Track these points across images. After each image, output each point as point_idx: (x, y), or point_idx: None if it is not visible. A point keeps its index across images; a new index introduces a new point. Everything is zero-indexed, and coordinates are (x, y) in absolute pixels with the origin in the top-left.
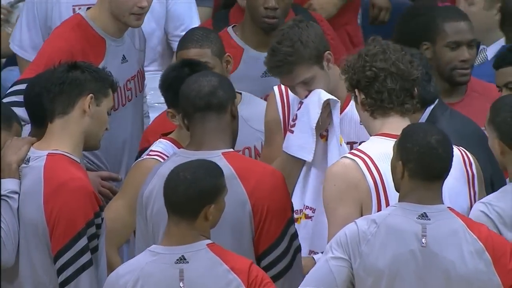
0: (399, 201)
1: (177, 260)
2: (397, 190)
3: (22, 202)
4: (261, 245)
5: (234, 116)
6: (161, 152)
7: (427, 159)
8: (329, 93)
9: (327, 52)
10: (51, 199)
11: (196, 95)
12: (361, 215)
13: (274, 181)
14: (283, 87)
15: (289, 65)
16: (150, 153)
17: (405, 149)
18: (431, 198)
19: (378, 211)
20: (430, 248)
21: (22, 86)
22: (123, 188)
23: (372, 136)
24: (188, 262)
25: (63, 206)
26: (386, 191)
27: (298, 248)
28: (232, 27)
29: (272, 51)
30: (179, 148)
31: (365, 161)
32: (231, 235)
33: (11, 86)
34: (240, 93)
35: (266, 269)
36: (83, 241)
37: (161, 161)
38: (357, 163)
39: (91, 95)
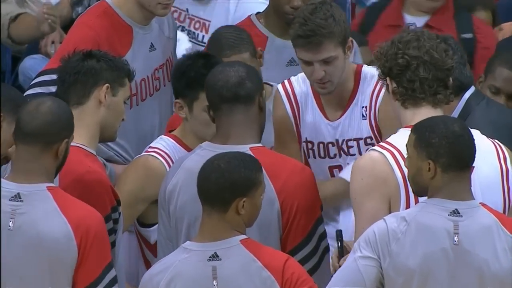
0: (428, 197)
1: (210, 257)
2: (420, 193)
3: None
4: (288, 244)
5: (262, 109)
6: (160, 149)
7: (458, 148)
8: (339, 84)
9: (351, 39)
10: (67, 193)
11: (223, 86)
12: (389, 211)
13: (303, 179)
14: (287, 84)
15: (320, 37)
16: (148, 149)
17: (431, 146)
18: (463, 192)
19: (406, 207)
20: (463, 246)
21: (47, 77)
22: (118, 183)
23: (401, 128)
24: (221, 260)
25: (79, 200)
26: None
27: (327, 249)
28: (256, 14)
29: (304, 20)
30: (180, 146)
31: (394, 154)
32: (258, 233)
33: (36, 77)
34: (271, 85)
35: None
36: None
37: (159, 159)
38: (385, 156)
39: (107, 85)
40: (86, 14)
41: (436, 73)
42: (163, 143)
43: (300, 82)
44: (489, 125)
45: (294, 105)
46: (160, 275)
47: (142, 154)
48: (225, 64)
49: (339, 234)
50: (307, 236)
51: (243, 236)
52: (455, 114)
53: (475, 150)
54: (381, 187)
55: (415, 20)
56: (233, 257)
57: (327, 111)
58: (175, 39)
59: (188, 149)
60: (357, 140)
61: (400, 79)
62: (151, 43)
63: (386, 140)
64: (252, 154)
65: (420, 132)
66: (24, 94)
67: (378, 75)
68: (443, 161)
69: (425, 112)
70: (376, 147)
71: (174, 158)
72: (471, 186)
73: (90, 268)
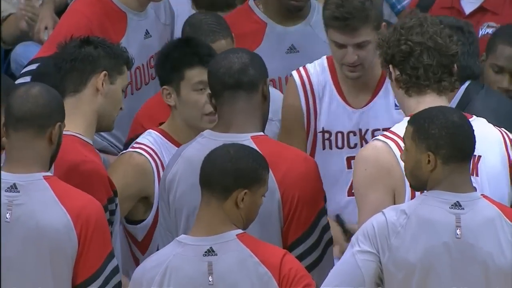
0: (428, 190)
1: (206, 252)
2: (418, 187)
3: None
4: (290, 237)
5: (266, 97)
6: (146, 145)
7: (459, 139)
8: (367, 69)
9: (384, 23)
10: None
11: (225, 72)
12: (394, 203)
13: (306, 169)
14: (303, 72)
15: (357, 21)
16: (134, 145)
17: (431, 137)
18: (464, 183)
19: (411, 199)
20: (465, 240)
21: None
22: None
23: (406, 117)
24: (217, 255)
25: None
26: None
27: (330, 241)
28: (254, 0)
29: (341, 1)
30: (168, 141)
31: (398, 143)
32: (258, 224)
33: (26, 65)
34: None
35: None
36: None
37: (145, 156)
38: (389, 146)
39: (104, 72)
40: (78, 1)
41: (441, 59)
42: (150, 138)
43: (317, 70)
44: (490, 114)
45: (310, 94)
46: (154, 270)
47: (127, 150)
48: (228, 50)
49: (339, 218)
50: (309, 228)
51: (240, 231)
52: (454, 102)
53: (475, 141)
54: (385, 177)
55: (470, 2)
56: (229, 253)
57: (349, 99)
58: (172, 26)
59: (177, 144)
60: (385, 130)
61: (403, 66)
62: (146, 29)
63: (390, 129)
64: (253, 143)
65: (418, 124)
66: (16, 83)
67: (380, 64)
68: (444, 152)
69: (429, 100)
70: (379, 137)
71: (160, 154)
72: (471, 177)
73: (92, 259)
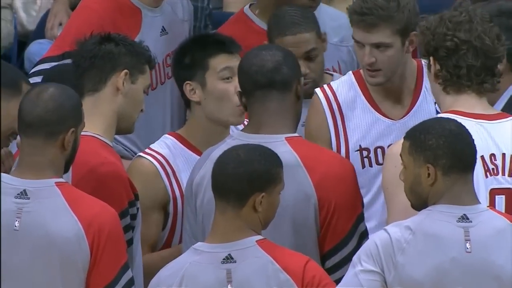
0: (431, 204)
1: (224, 259)
2: (418, 206)
3: None
4: (327, 244)
5: (299, 97)
6: (157, 152)
7: (458, 147)
8: (398, 78)
9: (414, 32)
10: (80, 186)
11: (257, 71)
12: None
13: (344, 172)
14: (327, 89)
15: (375, 18)
16: (147, 150)
17: (428, 149)
18: (468, 195)
19: None
20: (476, 254)
21: (47, 65)
22: None
23: (441, 113)
24: (235, 262)
25: (93, 193)
26: None
27: None
28: (249, 6)
29: None
30: (184, 146)
31: None
32: (292, 232)
33: (35, 65)
34: (332, 74)
35: (331, 271)
36: None
37: (154, 163)
38: None
39: (125, 71)
40: None
41: (485, 61)
42: (163, 144)
43: (344, 87)
44: None
45: (337, 112)
46: (170, 279)
47: (138, 154)
48: (260, 47)
49: None
50: (347, 235)
51: (260, 237)
52: (501, 103)
53: (475, 150)
54: None
55: None
56: (249, 259)
57: (386, 110)
58: (190, 22)
59: (193, 149)
60: None
61: (445, 62)
62: (163, 26)
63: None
64: (287, 145)
65: (414, 137)
66: None
67: (421, 52)
68: (443, 163)
69: (468, 98)
70: None
71: (173, 160)
72: (474, 189)
73: (105, 270)
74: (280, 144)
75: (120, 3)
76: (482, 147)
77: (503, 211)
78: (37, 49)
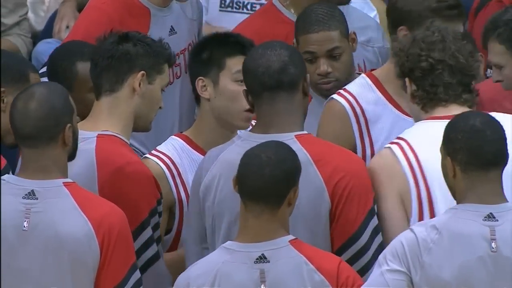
0: (458, 204)
1: (257, 259)
2: (453, 195)
3: None
4: (339, 239)
5: (306, 94)
6: (163, 153)
7: (475, 143)
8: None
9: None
10: (108, 186)
11: (264, 72)
12: (404, 211)
13: (354, 167)
14: (347, 95)
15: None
16: (153, 151)
17: (449, 141)
18: (493, 194)
19: (419, 203)
20: (502, 253)
21: None
22: None
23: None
24: (269, 262)
25: (122, 194)
26: (425, 177)
27: (382, 245)
28: None
29: None
30: (191, 147)
31: (401, 146)
32: (305, 228)
33: (42, 66)
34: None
35: None
36: (147, 233)
37: (160, 165)
38: (391, 150)
39: (142, 72)
40: None
41: (461, 78)
42: (169, 146)
43: (364, 90)
44: None
45: (361, 118)
46: (201, 278)
47: (144, 156)
48: (264, 46)
49: None
50: (358, 230)
51: (292, 237)
52: None
53: (502, 148)
54: (390, 182)
55: None
56: (283, 259)
57: (406, 108)
58: (200, 21)
59: (200, 150)
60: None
61: (421, 83)
62: (171, 26)
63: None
64: (298, 142)
65: (446, 128)
66: None
67: (396, 74)
68: (460, 158)
69: (444, 110)
70: (387, 144)
71: (179, 162)
72: (502, 188)
73: (114, 270)
74: (289, 142)
75: (128, 3)
76: None
77: None
78: (45, 48)
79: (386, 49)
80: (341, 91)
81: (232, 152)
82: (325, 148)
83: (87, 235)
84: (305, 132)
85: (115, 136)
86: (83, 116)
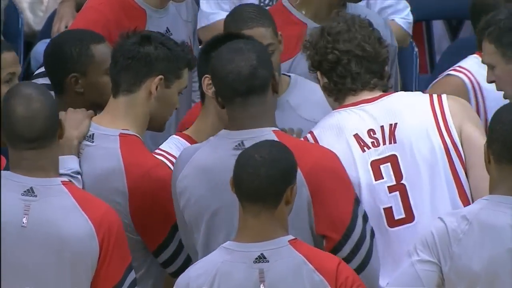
0: (490, 193)
1: (256, 259)
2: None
3: (94, 186)
4: (334, 234)
5: (276, 91)
6: (167, 152)
7: (510, 137)
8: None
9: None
10: (139, 188)
11: (235, 79)
12: None
13: (331, 161)
14: (308, 137)
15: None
16: (157, 151)
17: (490, 129)
18: None
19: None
20: None
21: None
22: None
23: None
24: (268, 261)
25: (154, 197)
26: None
27: (373, 233)
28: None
29: None
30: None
31: (306, 139)
32: (289, 225)
33: (40, 67)
34: (289, 76)
35: (349, 259)
36: (179, 235)
37: (169, 166)
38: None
39: (160, 76)
40: None
41: (370, 66)
42: (172, 145)
43: (475, 65)
44: None
45: (480, 97)
46: (201, 278)
47: None
48: (232, 49)
49: None
50: (351, 220)
51: (291, 236)
52: None
53: None
54: None
55: None
56: (282, 259)
57: None
58: (194, 23)
59: None
60: None
61: (330, 75)
62: (167, 27)
63: None
64: (276, 137)
65: (492, 115)
66: None
67: (308, 67)
68: (494, 148)
69: (354, 98)
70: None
71: None
72: None
73: (113, 270)
74: (268, 137)
75: (125, 4)
76: (357, 127)
77: (392, 177)
78: (43, 48)
79: (394, 48)
80: (456, 66)
81: (203, 152)
82: (300, 143)
83: (88, 234)
84: (278, 128)
85: (136, 136)
86: (96, 103)
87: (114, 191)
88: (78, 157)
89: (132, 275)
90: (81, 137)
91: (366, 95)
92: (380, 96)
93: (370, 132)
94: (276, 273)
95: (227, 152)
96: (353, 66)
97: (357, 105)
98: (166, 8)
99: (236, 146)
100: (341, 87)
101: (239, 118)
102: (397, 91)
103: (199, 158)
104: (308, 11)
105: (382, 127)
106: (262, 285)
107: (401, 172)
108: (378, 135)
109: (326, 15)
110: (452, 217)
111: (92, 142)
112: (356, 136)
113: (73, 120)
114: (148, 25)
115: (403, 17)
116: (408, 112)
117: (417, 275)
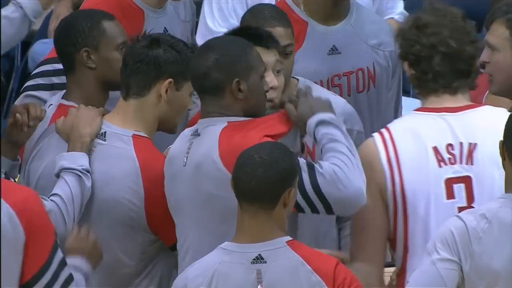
0: (505, 191)
1: (254, 259)
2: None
3: (107, 185)
4: None
5: (242, 92)
6: None
7: None
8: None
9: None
10: (154, 191)
11: (193, 76)
12: (384, 204)
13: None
14: (386, 135)
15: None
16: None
17: (506, 126)
18: None
19: (393, 195)
20: None
21: (50, 67)
22: None
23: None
24: (266, 262)
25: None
26: (400, 170)
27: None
28: None
29: None
30: None
31: (383, 136)
32: (220, 220)
33: (37, 66)
34: (297, 79)
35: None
36: None
37: None
38: (374, 139)
39: (170, 79)
40: None
41: (456, 64)
42: None
43: None
44: None
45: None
46: (199, 279)
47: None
48: (205, 45)
49: None
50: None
51: (289, 238)
52: None
53: None
54: (368, 172)
55: None
56: (279, 260)
57: None
58: (193, 23)
59: None
60: None
61: (415, 68)
62: (165, 27)
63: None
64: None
65: None
66: (25, 85)
67: (398, 55)
68: (508, 145)
69: (436, 100)
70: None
71: None
72: None
73: (38, 252)
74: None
75: (122, 4)
76: (437, 138)
77: (464, 199)
78: (41, 48)
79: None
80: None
81: (177, 145)
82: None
83: (10, 220)
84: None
85: (148, 138)
86: (108, 80)
87: (129, 192)
88: (89, 154)
89: (59, 254)
90: (94, 135)
91: (450, 101)
92: (465, 108)
93: (449, 147)
94: (274, 274)
95: (185, 139)
96: (437, 63)
97: (439, 112)
98: (164, 8)
99: (192, 133)
100: (422, 83)
101: (201, 110)
102: (399, 94)
103: (168, 154)
104: (309, 9)
105: (461, 143)
106: (259, 286)
107: (473, 195)
108: (456, 151)
109: (324, 14)
110: (470, 216)
111: (104, 140)
112: (435, 149)
113: (85, 116)
114: (146, 25)
115: (399, 13)
116: (490, 134)
117: (439, 274)
